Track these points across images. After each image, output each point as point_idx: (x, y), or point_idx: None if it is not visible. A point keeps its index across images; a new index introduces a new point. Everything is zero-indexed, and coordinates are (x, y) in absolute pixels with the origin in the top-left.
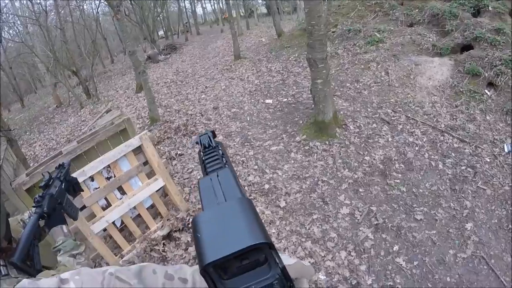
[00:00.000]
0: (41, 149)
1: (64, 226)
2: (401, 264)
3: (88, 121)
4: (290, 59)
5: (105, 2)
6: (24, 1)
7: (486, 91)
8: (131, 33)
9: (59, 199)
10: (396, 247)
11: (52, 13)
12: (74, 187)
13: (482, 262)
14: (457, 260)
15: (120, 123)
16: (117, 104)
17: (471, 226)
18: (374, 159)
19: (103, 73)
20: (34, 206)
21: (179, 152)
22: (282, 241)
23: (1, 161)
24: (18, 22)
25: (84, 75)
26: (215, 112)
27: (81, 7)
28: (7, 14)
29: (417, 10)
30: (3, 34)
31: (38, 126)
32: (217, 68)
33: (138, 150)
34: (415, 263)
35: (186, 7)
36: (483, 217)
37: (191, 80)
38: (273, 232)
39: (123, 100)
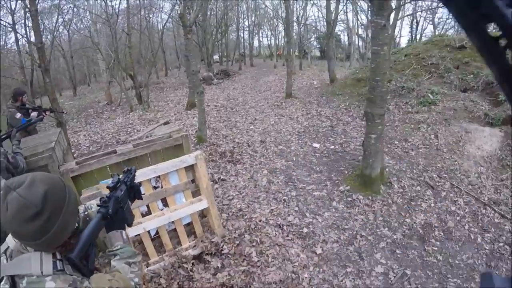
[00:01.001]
0: (85, 139)
1: (124, 232)
2: None
3: (136, 125)
4: (341, 107)
5: (180, 22)
6: (99, 0)
7: None
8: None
9: (121, 203)
10: None
11: (121, 18)
12: (135, 194)
13: None
14: None
15: (178, 138)
16: (166, 116)
17: None
18: (414, 222)
19: (156, 83)
20: (99, 206)
21: (221, 177)
22: (313, 286)
23: (54, 143)
24: (88, 17)
25: (139, 81)
26: (262, 145)
27: (149, 17)
28: (80, 8)
29: (472, 76)
30: (72, 25)
31: (86, 117)
32: (267, 102)
33: (190, 168)
34: None
35: (244, 37)
36: None
37: (241, 109)
38: (306, 277)
39: (172, 113)
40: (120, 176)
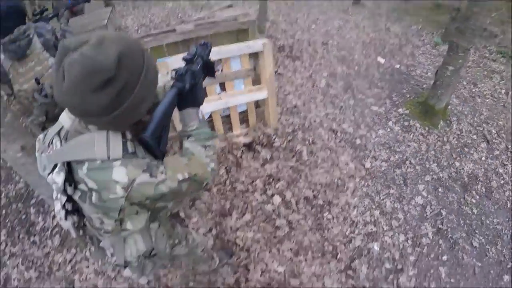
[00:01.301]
0: (133, 23)
1: (200, 111)
2: (441, 275)
3: (188, 10)
4: (412, 28)
5: None
6: None
7: None
8: None
9: (197, 78)
10: (445, 257)
11: None
12: (209, 71)
13: None
14: None
15: (244, 22)
16: (220, 3)
17: (507, 279)
18: (462, 168)
19: None
20: (175, 79)
21: (278, 71)
22: (355, 198)
23: (106, 20)
24: None
25: None
26: (323, 47)
27: None
28: None
29: None
30: None
31: (133, 1)
32: (332, 5)
33: (253, 55)
34: (452, 280)
35: None
36: None
37: (303, 6)
38: (350, 187)
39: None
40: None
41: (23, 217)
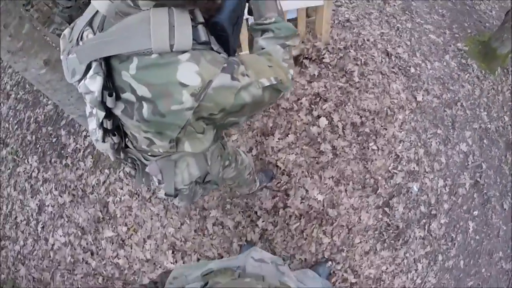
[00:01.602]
0: None
1: (279, 2)
2: (469, 229)
3: None
4: None
5: None
6: None
7: None
8: None
9: None
10: (476, 212)
11: None
12: None
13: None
14: (497, 264)
15: None
16: None
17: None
18: (510, 124)
19: None
20: None
21: None
22: (402, 132)
23: None
24: None
25: None
26: None
27: None
28: None
29: None
30: None
31: None
32: None
33: None
34: (477, 237)
35: None
36: None
37: None
38: (399, 118)
39: None
40: None
41: (54, 140)
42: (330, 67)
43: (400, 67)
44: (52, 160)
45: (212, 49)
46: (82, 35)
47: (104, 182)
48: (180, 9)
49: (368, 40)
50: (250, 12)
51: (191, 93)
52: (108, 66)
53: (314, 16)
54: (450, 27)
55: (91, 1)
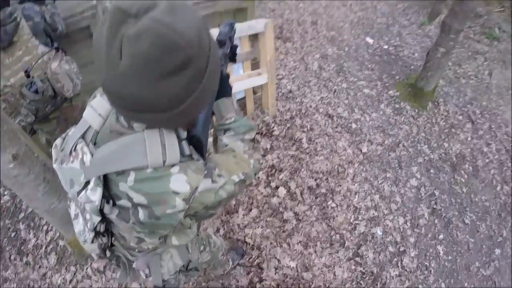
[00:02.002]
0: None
1: (233, 100)
2: (440, 253)
3: None
4: (398, 7)
5: None
6: None
7: None
8: None
9: (225, 62)
10: (441, 236)
11: None
12: (233, 55)
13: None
14: (478, 275)
15: (243, 1)
16: None
17: (498, 252)
18: (451, 149)
19: None
20: None
21: None
22: (355, 184)
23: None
24: None
25: None
26: (312, 27)
27: None
28: None
29: None
30: None
31: None
32: None
33: (252, 37)
34: (449, 257)
35: None
36: (509, 251)
37: None
38: (350, 173)
39: None
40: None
41: (13, 235)
42: (280, 138)
43: (343, 126)
44: (12, 257)
45: (193, 158)
46: (75, 147)
47: (71, 280)
48: (168, 129)
49: (310, 106)
50: (212, 114)
51: (182, 198)
52: (105, 177)
53: (261, 92)
54: (380, 78)
55: (83, 115)
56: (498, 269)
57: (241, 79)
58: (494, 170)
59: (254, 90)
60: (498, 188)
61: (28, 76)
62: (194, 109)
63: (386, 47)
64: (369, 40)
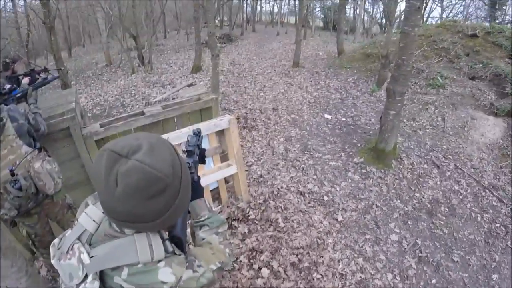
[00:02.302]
0: (87, 102)
1: (206, 200)
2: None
3: (140, 87)
4: (349, 80)
5: None
6: None
7: None
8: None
9: (193, 171)
10: (434, 280)
11: None
12: (202, 159)
13: None
14: None
15: (208, 101)
16: (170, 79)
17: (496, 277)
18: (423, 197)
19: (156, 45)
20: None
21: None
22: (337, 252)
23: (73, 103)
24: None
25: (141, 42)
26: (274, 113)
27: None
28: None
29: (481, 65)
30: None
31: (85, 79)
32: (274, 70)
33: (219, 132)
34: None
35: (248, 1)
36: (507, 272)
37: (248, 75)
38: (330, 242)
39: (177, 76)
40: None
41: None
42: (256, 222)
43: (315, 200)
44: None
45: (175, 253)
46: (72, 247)
47: None
48: (153, 233)
49: (282, 187)
50: (189, 212)
51: (169, 287)
52: (101, 272)
53: (232, 181)
54: (343, 149)
55: (79, 221)
56: None
57: (213, 172)
58: (470, 204)
59: (227, 180)
60: (479, 218)
61: (12, 174)
62: (173, 217)
63: (344, 119)
64: (328, 116)
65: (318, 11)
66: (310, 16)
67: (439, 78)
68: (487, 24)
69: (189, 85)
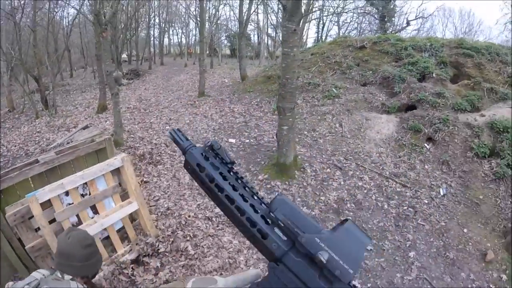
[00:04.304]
0: None
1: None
2: (357, 287)
3: (44, 133)
4: (252, 103)
5: (92, 20)
6: None
7: (425, 144)
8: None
9: None
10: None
11: (26, 12)
12: None
13: (425, 283)
14: (404, 282)
15: (101, 142)
16: (75, 121)
17: (413, 254)
18: (328, 199)
19: (61, 85)
20: None
21: (144, 179)
22: (251, 267)
23: None
24: None
25: (44, 84)
26: None
27: (55, 12)
28: None
29: (371, 72)
30: None
31: None
32: (180, 102)
33: (116, 171)
34: (369, 285)
35: (155, 35)
36: (423, 247)
37: (155, 109)
38: (242, 260)
39: (82, 118)
40: None
41: None
42: (167, 254)
43: (223, 222)
44: None
45: None
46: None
47: None
48: (80, 282)
49: (189, 216)
50: None
51: None
52: None
53: (138, 218)
54: (248, 169)
55: (31, 274)
56: (422, 266)
57: (115, 211)
58: (375, 195)
59: (133, 217)
60: (386, 206)
61: None
62: (97, 265)
63: (247, 141)
64: (232, 140)
65: (224, 39)
66: (217, 45)
67: (333, 89)
68: (375, 35)
69: (84, 128)
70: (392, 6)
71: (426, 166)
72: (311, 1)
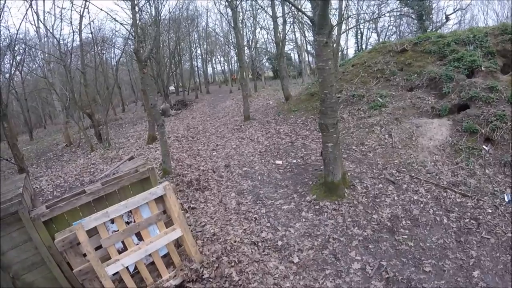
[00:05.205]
0: (48, 184)
1: None
2: None
3: (99, 165)
4: (298, 122)
5: (134, 57)
6: (51, 39)
7: (484, 146)
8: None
9: None
10: None
11: (74, 55)
12: None
13: None
14: None
15: (144, 172)
16: (127, 152)
17: (478, 274)
18: (382, 217)
19: (114, 120)
20: None
21: (191, 205)
22: None
23: (21, 188)
24: (41, 56)
25: (97, 119)
26: (226, 169)
27: (102, 54)
28: (32, 48)
29: (415, 75)
30: (24, 66)
31: (46, 161)
32: (227, 128)
33: (160, 199)
34: None
35: (198, 65)
36: (488, 264)
37: (202, 137)
38: (288, 286)
39: (134, 149)
40: None
41: None
42: (211, 280)
43: (269, 247)
44: None
45: None
46: None
47: None
48: None
49: (235, 241)
50: None
51: None
52: None
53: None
54: (295, 190)
55: None
56: (487, 286)
57: (159, 238)
58: (432, 209)
59: (180, 244)
60: (445, 220)
61: None
62: None
63: (294, 161)
64: (278, 162)
65: (265, 61)
66: (259, 68)
67: (379, 98)
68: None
69: (130, 159)
70: (428, 3)
71: (487, 171)
72: (343, 11)
